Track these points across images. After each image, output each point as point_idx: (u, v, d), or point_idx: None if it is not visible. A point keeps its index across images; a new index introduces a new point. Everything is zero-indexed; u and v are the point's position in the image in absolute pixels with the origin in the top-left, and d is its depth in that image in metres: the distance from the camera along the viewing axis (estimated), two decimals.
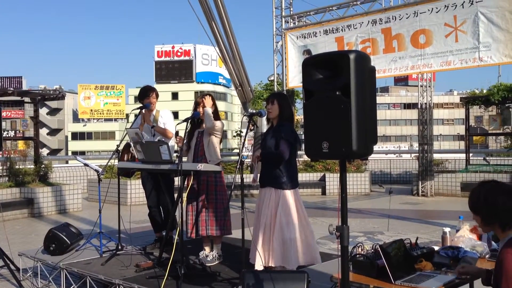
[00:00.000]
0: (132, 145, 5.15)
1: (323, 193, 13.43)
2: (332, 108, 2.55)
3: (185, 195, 4.19)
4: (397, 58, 10.27)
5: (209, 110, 4.94)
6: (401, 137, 70.99)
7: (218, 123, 4.96)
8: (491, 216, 2.46)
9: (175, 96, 65.79)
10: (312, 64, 2.69)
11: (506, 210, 2.44)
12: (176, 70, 66.53)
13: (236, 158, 13.70)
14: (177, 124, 4.83)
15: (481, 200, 2.49)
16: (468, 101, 13.48)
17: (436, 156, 14.15)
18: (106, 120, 64.37)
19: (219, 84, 67.98)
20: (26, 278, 5.46)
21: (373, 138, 2.62)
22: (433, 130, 13.41)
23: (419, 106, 13.27)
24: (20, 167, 10.91)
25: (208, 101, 5.01)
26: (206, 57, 66.86)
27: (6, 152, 11.32)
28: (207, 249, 5.05)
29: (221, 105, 62.30)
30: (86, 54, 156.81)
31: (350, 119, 2.48)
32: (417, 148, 13.71)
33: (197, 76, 66.55)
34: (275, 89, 13.15)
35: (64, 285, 4.91)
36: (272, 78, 14.10)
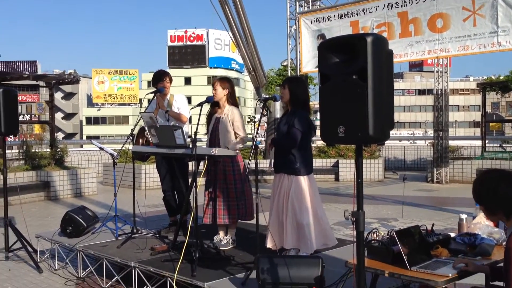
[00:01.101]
0: (146, 129, 5.17)
1: (336, 179, 13.40)
2: (348, 92, 2.52)
3: (200, 179, 4.20)
4: (414, 42, 10.12)
5: (233, 139, 4.83)
6: (415, 123, 70.40)
7: (240, 137, 4.85)
8: (494, 205, 2.46)
9: (188, 81, 65.89)
10: (329, 48, 2.65)
11: (507, 199, 2.43)
12: (189, 55, 66.52)
13: (250, 143, 13.77)
14: (191, 109, 4.83)
15: (483, 190, 2.48)
16: (485, 87, 13.26)
17: (451, 142, 14.00)
18: (120, 105, 64.76)
19: (232, 69, 67.84)
20: (44, 260, 5.55)
21: (390, 123, 2.59)
22: (449, 117, 13.25)
23: (435, 92, 13.10)
24: (36, 150, 11.04)
25: (218, 89, 4.92)
26: (219, 42, 66.71)
27: (22, 136, 11.46)
28: (221, 233, 5.08)
29: None
30: (100, 41, 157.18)
31: (366, 103, 2.44)
32: (432, 135, 13.58)
33: (210, 61, 66.49)
34: (289, 74, 13.08)
35: (81, 267, 4.99)
36: (285, 63, 14.01)
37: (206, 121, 5.06)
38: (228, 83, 5.08)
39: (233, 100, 5.02)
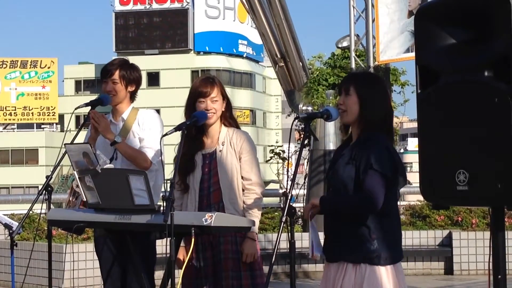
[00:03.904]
0: (76, 176, 5.21)
1: (448, 270, 13.30)
2: (476, 104, 2.56)
3: (180, 273, 4.22)
4: None
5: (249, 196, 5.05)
6: None
7: (253, 186, 5.07)
8: None
9: (153, 78, 66.53)
10: (436, 17, 2.70)
11: None
12: (157, 29, 67.47)
13: (275, 200, 13.76)
14: (163, 136, 4.88)
15: None
16: None
17: None
18: (22, 126, 65.62)
19: (238, 55, 68.55)
20: None
21: None
22: None
23: None
24: None
25: (218, 100, 5.11)
26: (214, 4, 67.63)
27: None
28: None
29: (242, 97, 62.56)
30: None
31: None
32: None
33: (197, 41, 67.28)
34: (353, 67, 13.18)
35: None
36: (345, 44, 14.15)
37: (179, 164, 5.09)
38: (220, 87, 5.26)
39: (234, 120, 5.31)
